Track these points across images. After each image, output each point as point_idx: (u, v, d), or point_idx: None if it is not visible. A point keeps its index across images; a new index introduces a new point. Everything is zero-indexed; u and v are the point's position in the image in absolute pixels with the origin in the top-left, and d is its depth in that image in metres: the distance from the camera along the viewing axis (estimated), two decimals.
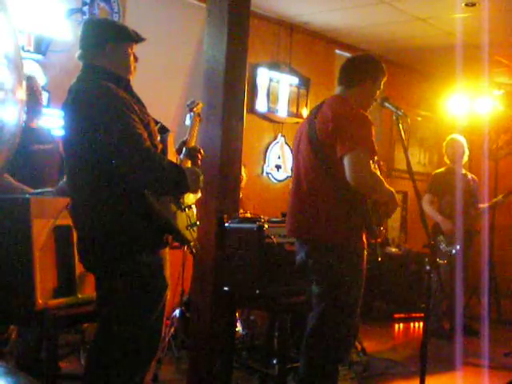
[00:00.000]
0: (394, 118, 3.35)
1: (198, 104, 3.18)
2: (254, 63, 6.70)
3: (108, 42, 2.82)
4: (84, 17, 5.24)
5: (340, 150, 3.17)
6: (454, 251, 5.91)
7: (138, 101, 2.83)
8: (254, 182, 6.74)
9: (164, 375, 4.44)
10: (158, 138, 2.83)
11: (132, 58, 2.89)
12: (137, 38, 2.90)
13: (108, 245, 2.71)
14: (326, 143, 3.25)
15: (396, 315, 6.96)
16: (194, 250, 2.94)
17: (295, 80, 7.19)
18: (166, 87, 5.92)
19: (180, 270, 4.83)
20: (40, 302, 2.91)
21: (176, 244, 2.99)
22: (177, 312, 4.90)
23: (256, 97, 6.84)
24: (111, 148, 2.62)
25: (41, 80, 4.80)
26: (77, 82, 2.80)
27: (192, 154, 2.92)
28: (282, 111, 7.08)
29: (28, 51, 4.79)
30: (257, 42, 6.64)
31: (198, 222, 2.92)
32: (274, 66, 7.05)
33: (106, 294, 2.78)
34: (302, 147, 3.42)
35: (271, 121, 7.14)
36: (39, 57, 4.89)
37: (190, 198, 2.87)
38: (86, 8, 5.26)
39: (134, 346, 2.75)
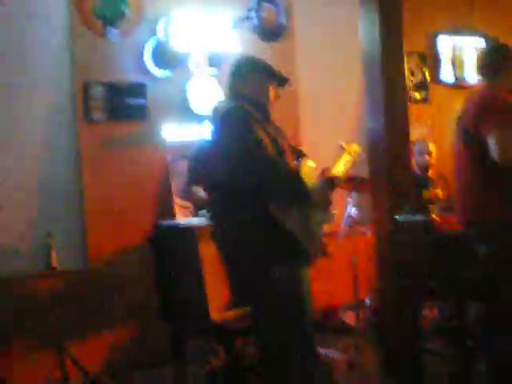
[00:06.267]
0: None
1: (352, 146, 3.25)
2: (432, 33, 6.46)
3: (249, 72, 3.11)
4: (252, 22, 5.37)
5: (484, 132, 3.20)
6: None
7: (276, 128, 3.03)
8: None
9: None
10: (294, 162, 2.97)
11: (273, 93, 3.10)
12: (278, 77, 3.12)
13: (248, 264, 2.85)
14: (470, 130, 3.32)
15: None
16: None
17: (481, 42, 6.75)
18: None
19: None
20: (213, 315, 3.19)
21: None
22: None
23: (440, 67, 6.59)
24: (236, 155, 2.81)
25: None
26: (222, 104, 3.10)
27: (327, 182, 2.95)
28: (471, 78, 6.71)
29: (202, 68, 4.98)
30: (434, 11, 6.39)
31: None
32: (455, 31, 6.70)
33: (252, 316, 2.95)
34: (455, 139, 3.54)
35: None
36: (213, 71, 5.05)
37: (319, 218, 2.93)
38: (253, 13, 5.40)
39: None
